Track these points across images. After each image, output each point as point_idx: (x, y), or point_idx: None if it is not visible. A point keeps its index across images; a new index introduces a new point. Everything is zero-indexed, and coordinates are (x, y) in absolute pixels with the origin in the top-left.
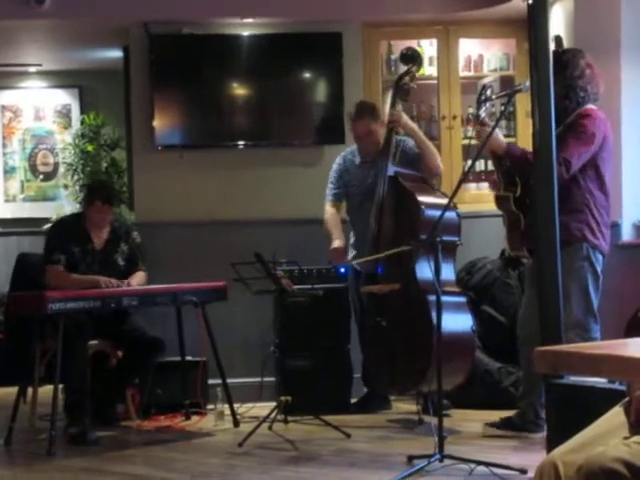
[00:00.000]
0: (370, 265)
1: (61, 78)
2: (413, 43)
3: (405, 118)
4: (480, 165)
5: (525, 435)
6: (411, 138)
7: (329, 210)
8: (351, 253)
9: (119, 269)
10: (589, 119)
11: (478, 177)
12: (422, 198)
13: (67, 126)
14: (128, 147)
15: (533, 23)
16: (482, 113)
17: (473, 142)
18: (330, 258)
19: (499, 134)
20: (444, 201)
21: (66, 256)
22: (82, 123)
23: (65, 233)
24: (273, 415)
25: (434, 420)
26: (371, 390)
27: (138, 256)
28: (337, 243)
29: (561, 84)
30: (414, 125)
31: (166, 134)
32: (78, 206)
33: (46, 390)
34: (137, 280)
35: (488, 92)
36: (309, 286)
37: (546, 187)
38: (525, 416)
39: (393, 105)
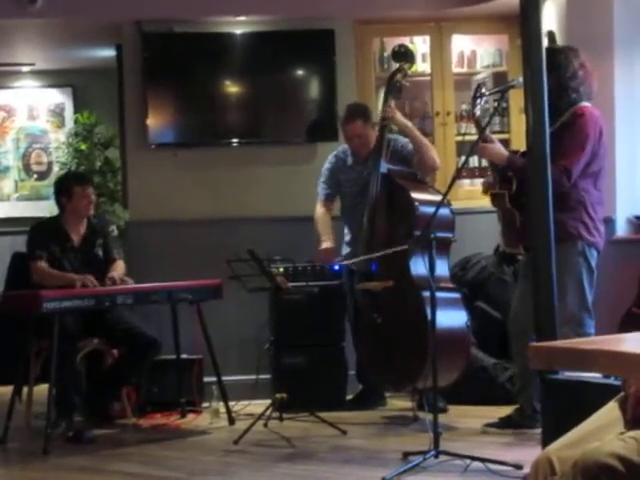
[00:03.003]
0: (364, 264)
1: (54, 77)
2: (406, 40)
3: (398, 115)
4: (474, 161)
5: (525, 431)
6: (405, 135)
7: (319, 210)
8: (345, 251)
9: (101, 263)
10: (584, 118)
11: (472, 173)
12: (415, 195)
13: (61, 125)
14: (122, 146)
15: (525, 19)
16: (477, 111)
17: (467, 138)
18: (318, 259)
19: (500, 146)
20: (437, 197)
21: (47, 254)
22: (75, 122)
23: (44, 233)
24: (268, 412)
25: (429, 416)
26: (366, 387)
27: (112, 246)
28: (326, 244)
29: (553, 84)
30: (408, 122)
31: (160, 132)
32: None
33: (42, 389)
34: (119, 271)
35: (483, 90)
36: (304, 283)
37: (540, 183)
38: (523, 412)
39: (386, 102)
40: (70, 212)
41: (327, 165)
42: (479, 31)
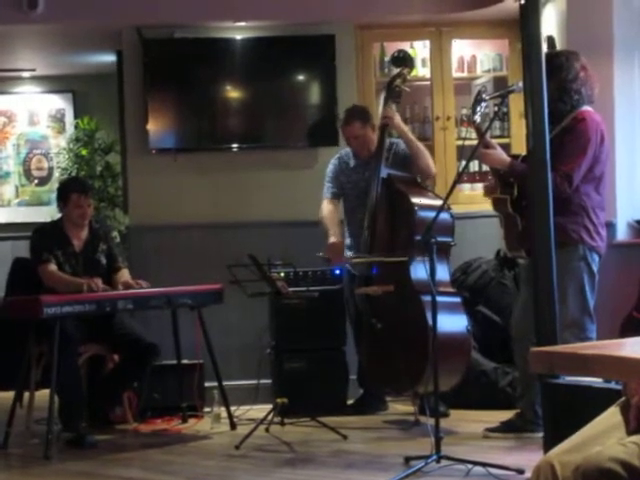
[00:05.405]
0: (364, 267)
1: (55, 83)
2: (406, 45)
3: (398, 118)
4: (474, 166)
5: (526, 436)
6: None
7: (326, 207)
8: (347, 254)
9: (103, 269)
10: (585, 123)
11: (472, 178)
12: (415, 199)
13: (61, 131)
14: (122, 151)
15: (525, 23)
16: (477, 118)
17: (467, 143)
18: (327, 254)
19: (501, 152)
20: (437, 202)
21: (52, 256)
22: (76, 127)
23: (47, 237)
24: (270, 417)
25: (430, 421)
26: (367, 391)
27: (117, 253)
28: (333, 239)
29: (555, 87)
30: (405, 127)
31: (160, 137)
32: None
33: (43, 394)
34: (128, 279)
35: (483, 95)
36: (304, 288)
37: (540, 187)
38: (525, 416)
39: (386, 107)
40: (66, 218)
41: (330, 167)
42: (479, 36)
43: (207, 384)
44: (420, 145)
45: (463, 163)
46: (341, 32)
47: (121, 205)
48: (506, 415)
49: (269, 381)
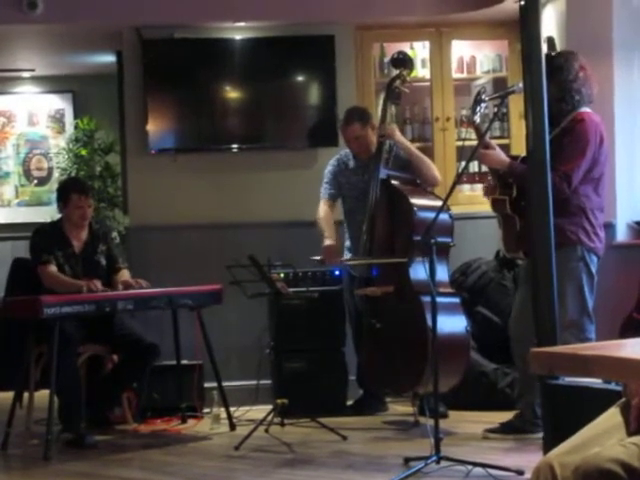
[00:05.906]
0: (364, 269)
1: (54, 83)
2: (406, 45)
3: (398, 134)
4: (474, 166)
5: (526, 436)
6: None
7: (322, 208)
8: (346, 256)
9: (102, 270)
10: (584, 124)
11: (472, 178)
12: (415, 200)
13: (61, 131)
14: (122, 151)
15: (525, 24)
16: (477, 118)
17: (467, 144)
18: (323, 256)
19: (501, 152)
20: (436, 203)
21: (52, 257)
22: (76, 128)
23: (47, 238)
24: (269, 418)
25: (430, 421)
26: (367, 392)
27: (117, 254)
28: (328, 242)
29: (556, 87)
30: (406, 141)
31: (160, 138)
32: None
33: (42, 394)
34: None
35: (483, 96)
36: (304, 289)
37: (540, 188)
38: (524, 416)
39: (385, 109)
40: (66, 219)
41: (329, 168)
42: (479, 36)
43: (207, 385)
44: (424, 157)
45: (463, 164)
46: (341, 33)
47: (121, 205)
48: (506, 416)
49: (269, 382)
